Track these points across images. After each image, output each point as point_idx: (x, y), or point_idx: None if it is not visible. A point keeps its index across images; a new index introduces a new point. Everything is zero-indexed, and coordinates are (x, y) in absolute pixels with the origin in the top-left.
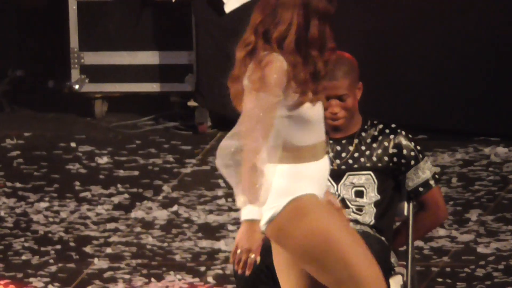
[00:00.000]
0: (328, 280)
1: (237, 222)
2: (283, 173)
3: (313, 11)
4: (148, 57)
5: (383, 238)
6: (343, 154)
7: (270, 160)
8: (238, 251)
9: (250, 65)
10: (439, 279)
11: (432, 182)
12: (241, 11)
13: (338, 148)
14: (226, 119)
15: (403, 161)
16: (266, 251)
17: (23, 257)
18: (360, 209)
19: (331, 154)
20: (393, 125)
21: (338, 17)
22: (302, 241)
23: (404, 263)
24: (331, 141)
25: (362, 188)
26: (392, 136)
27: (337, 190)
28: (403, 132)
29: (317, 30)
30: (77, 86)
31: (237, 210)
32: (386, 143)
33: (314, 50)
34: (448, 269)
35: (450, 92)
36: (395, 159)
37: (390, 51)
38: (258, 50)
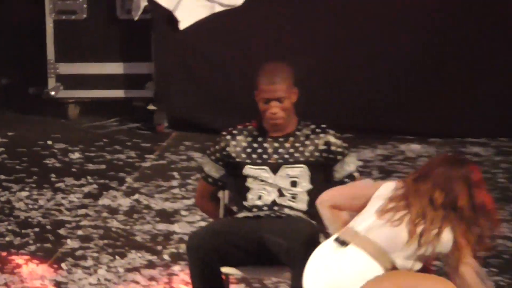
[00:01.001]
0: None
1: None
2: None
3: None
4: (114, 68)
5: (314, 222)
6: (280, 150)
7: None
8: None
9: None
10: None
11: (356, 174)
12: (195, 26)
13: (276, 145)
14: (181, 121)
15: (331, 156)
16: (215, 234)
17: (7, 239)
18: (294, 197)
19: (270, 150)
20: (323, 125)
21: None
22: None
23: None
24: (270, 139)
25: (296, 179)
26: (322, 135)
27: (274, 181)
28: (331, 132)
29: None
30: (53, 93)
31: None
32: (317, 141)
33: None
34: None
35: (372, 97)
36: (324, 154)
37: (330, 62)
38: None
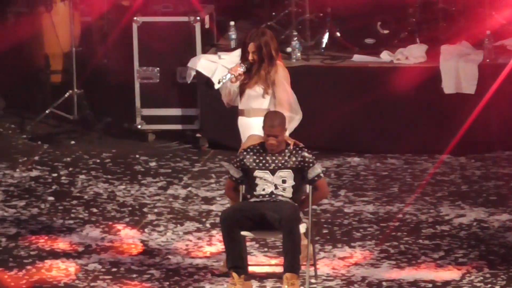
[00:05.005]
0: None
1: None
2: None
3: None
4: (175, 111)
5: (296, 204)
6: (276, 161)
7: None
8: None
9: None
10: (325, 225)
11: (321, 175)
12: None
13: (273, 158)
14: (216, 143)
15: (306, 164)
16: (236, 211)
17: (112, 214)
18: (284, 189)
19: (270, 161)
20: (300, 146)
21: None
22: None
23: (307, 217)
24: (270, 154)
25: (285, 178)
26: (300, 152)
27: (272, 180)
28: (305, 149)
29: None
30: (139, 126)
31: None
32: (297, 155)
33: None
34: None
35: (328, 130)
36: (302, 163)
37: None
38: None
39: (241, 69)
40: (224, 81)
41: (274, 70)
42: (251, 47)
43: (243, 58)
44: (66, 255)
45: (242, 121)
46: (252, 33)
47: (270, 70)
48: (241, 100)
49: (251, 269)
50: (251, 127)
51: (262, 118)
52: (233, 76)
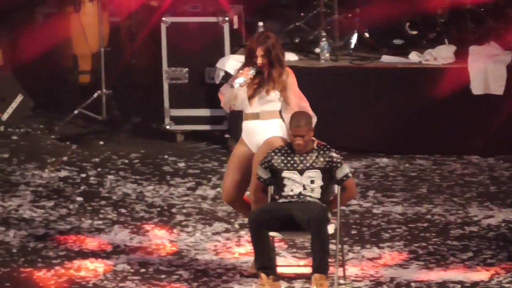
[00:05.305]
0: None
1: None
2: None
3: None
4: (204, 111)
5: (324, 205)
6: (304, 161)
7: None
8: None
9: None
10: (354, 226)
11: (349, 175)
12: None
13: (302, 158)
14: None
15: (334, 165)
16: (264, 212)
17: (140, 214)
18: (312, 189)
19: (298, 161)
20: (328, 146)
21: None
22: None
23: (335, 217)
24: (297, 155)
25: (314, 178)
26: (328, 152)
27: (300, 180)
28: (333, 150)
29: None
30: (168, 127)
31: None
32: (325, 156)
33: None
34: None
35: (356, 131)
36: (330, 163)
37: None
38: None
39: (251, 73)
40: (238, 84)
41: (285, 73)
42: (259, 51)
43: (250, 62)
44: (94, 255)
45: (254, 124)
46: (258, 37)
47: (282, 72)
48: (251, 104)
49: (279, 270)
50: (266, 130)
51: (277, 120)
52: (245, 79)
